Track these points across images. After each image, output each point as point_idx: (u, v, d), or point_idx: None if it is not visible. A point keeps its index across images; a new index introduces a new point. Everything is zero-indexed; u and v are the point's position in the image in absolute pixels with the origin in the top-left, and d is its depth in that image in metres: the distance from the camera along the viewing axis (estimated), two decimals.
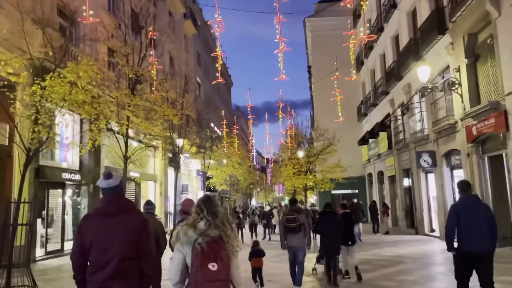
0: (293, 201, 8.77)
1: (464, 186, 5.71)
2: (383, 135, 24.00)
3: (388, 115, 23.12)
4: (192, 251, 2.90)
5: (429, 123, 17.09)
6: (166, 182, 25.92)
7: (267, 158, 79.18)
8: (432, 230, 18.28)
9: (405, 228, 21.18)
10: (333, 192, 31.63)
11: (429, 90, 13.80)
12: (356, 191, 31.65)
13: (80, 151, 13.32)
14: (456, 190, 6.23)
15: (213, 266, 2.82)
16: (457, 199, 7.50)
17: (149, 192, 24.33)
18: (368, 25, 20.43)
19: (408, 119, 20.01)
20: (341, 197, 31.54)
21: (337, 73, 19.50)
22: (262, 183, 75.52)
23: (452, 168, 15.74)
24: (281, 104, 25.45)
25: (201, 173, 31.75)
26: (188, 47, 34.46)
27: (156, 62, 16.00)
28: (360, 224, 17.03)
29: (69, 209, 16.08)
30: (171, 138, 21.24)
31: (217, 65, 13.59)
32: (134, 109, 12.54)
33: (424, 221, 18.53)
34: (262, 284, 8.13)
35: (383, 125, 23.52)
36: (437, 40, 15.28)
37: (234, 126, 34.22)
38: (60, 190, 15.18)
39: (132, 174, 21.28)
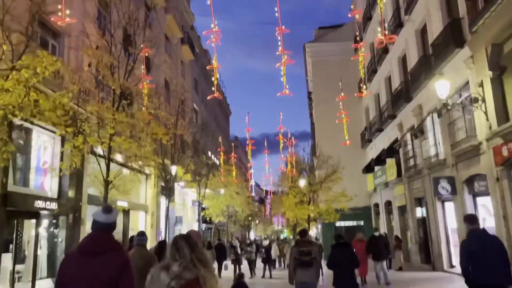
0: (304, 232, 8.10)
1: (472, 219, 5.72)
2: (391, 162, 22.43)
3: (396, 140, 21.64)
4: None
5: (445, 147, 15.56)
6: (158, 212, 24.03)
7: (266, 190, 77.40)
8: (452, 266, 16.39)
9: (419, 264, 19.23)
10: (337, 224, 29.72)
11: (449, 107, 12.34)
12: (362, 222, 29.70)
13: (60, 172, 11.74)
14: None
15: None
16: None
17: (139, 223, 22.38)
18: (374, 40, 19.26)
19: (420, 143, 18.51)
20: (343, 230, 29.63)
21: (342, 94, 18.16)
22: (261, 215, 73.27)
23: (476, 195, 14.08)
24: (282, 128, 23.95)
25: (196, 203, 29.93)
26: (185, 73, 33.41)
27: (147, 81, 14.67)
28: (385, 262, 13.59)
29: (44, 243, 14.19)
30: (163, 164, 19.63)
31: (212, 78, 12.21)
32: (118, 126, 10.99)
33: (442, 256, 16.65)
34: None
35: (390, 151, 22.02)
36: (454, 54, 13.99)
37: (232, 154, 32.63)
38: (33, 221, 13.37)
39: (120, 203, 19.53)
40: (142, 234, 5.91)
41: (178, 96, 19.91)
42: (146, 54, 15.99)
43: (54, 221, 14.78)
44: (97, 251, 2.88)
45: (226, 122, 59.10)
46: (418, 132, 17.21)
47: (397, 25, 20.09)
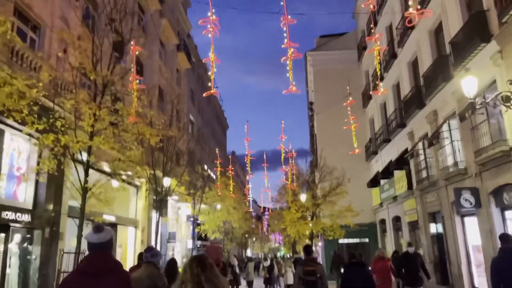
0: (308, 250, 7.67)
1: (506, 238, 5.74)
2: (400, 174, 20.89)
3: (405, 151, 20.13)
4: None
5: (467, 154, 14.05)
6: (150, 228, 22.28)
7: (264, 207, 75.58)
8: None
9: (435, 285, 17.48)
10: (340, 241, 27.96)
11: (478, 106, 10.86)
12: (366, 240, 27.96)
13: (37, 176, 10.17)
14: None
15: None
16: None
17: (129, 239, 20.63)
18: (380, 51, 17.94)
19: (434, 153, 17.00)
20: (344, 247, 27.83)
21: (350, 98, 16.72)
22: (258, 232, 71.21)
23: (504, 208, 12.49)
24: (284, 137, 22.45)
25: (191, 219, 28.17)
26: (181, 82, 32.04)
27: (137, 81, 13.19)
28: None
29: (14, 260, 12.43)
30: (154, 174, 18.01)
31: (209, 73, 10.76)
32: (99, 124, 9.45)
33: (463, 277, 14.96)
34: None
35: (400, 163, 20.50)
36: (478, 50, 12.60)
37: (230, 167, 31.00)
38: (2, 235, 11.65)
39: (107, 217, 17.82)
40: (150, 250, 5.13)
41: (172, 100, 18.30)
42: (137, 53, 14.64)
43: (28, 235, 13.04)
44: (96, 273, 2.77)
45: (223, 136, 57.58)
46: (436, 138, 15.71)
47: (406, 28, 18.81)
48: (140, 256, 6.77)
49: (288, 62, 11.24)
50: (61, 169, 10.26)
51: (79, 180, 10.06)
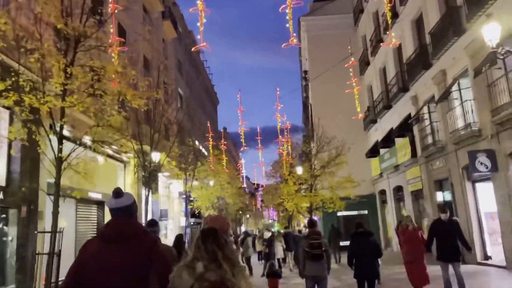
0: (313, 223, 7.61)
1: None
2: (403, 141, 19.82)
3: (409, 117, 19.01)
4: None
5: (482, 115, 12.93)
6: (140, 206, 21.10)
7: (257, 184, 74.95)
8: (487, 258, 13.88)
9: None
10: (338, 213, 27.15)
11: (502, 56, 9.64)
12: (365, 212, 27.14)
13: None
14: None
15: None
16: None
17: None
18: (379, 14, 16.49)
19: (442, 116, 15.89)
20: (342, 220, 27.11)
21: (352, 59, 15.42)
22: (252, 209, 70.73)
23: None
24: (279, 106, 21.17)
25: (183, 196, 27.06)
26: (168, 53, 30.32)
27: (117, 43, 11.70)
28: (460, 264, 8.17)
29: None
30: (141, 149, 16.73)
31: (198, 36, 9.36)
32: (71, 85, 8.07)
33: (474, 246, 14.06)
34: None
35: (402, 129, 19.41)
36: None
37: (222, 141, 29.72)
38: None
39: (93, 195, 16.59)
40: (153, 224, 5.09)
41: (158, 66, 16.82)
42: (117, 11, 13.07)
43: (2, 215, 11.78)
44: (117, 237, 2.62)
45: (214, 112, 55.96)
46: (442, 101, 14.55)
47: None
48: None
49: (287, 11, 9.85)
50: (35, 140, 8.94)
51: (53, 151, 8.74)
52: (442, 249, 7.92)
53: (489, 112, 12.22)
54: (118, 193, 2.87)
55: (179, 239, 6.69)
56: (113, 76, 8.40)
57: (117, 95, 8.73)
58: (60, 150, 8.50)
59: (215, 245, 2.45)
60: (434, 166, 17.05)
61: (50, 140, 8.79)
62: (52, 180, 10.50)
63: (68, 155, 8.59)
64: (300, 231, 22.22)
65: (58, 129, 8.52)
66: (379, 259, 8.76)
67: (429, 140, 17.31)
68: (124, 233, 2.66)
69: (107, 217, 16.89)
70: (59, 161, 8.54)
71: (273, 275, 8.95)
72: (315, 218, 32.19)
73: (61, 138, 8.58)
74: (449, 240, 7.91)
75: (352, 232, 7.85)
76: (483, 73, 11.59)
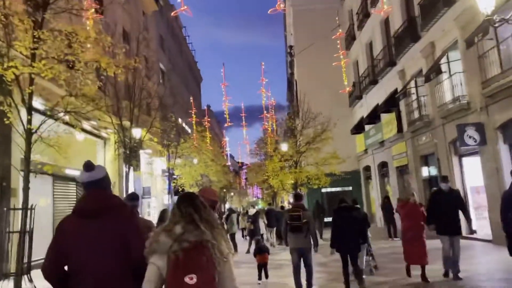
0: (298, 197, 7.85)
1: None
2: (389, 117, 19.61)
3: (395, 92, 18.74)
4: (166, 262, 2.24)
5: (471, 87, 12.68)
6: (121, 183, 20.52)
7: (241, 162, 74.82)
8: (472, 232, 13.89)
9: (427, 231, 16.70)
10: (322, 190, 27.08)
11: (496, 25, 9.29)
12: (350, 188, 27.14)
13: None
14: None
15: (190, 279, 2.18)
16: None
17: None
18: None
19: (430, 90, 15.62)
20: (325, 197, 27.07)
21: (340, 31, 14.90)
22: (236, 187, 70.68)
23: None
24: (264, 80, 20.59)
25: (167, 174, 26.54)
26: (148, 26, 29.19)
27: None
28: (459, 238, 7.86)
29: None
30: (120, 123, 16.09)
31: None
32: (39, 50, 7.39)
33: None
34: (266, 276, 8.65)
35: (388, 104, 19.16)
36: None
37: (206, 118, 29.10)
38: None
39: (70, 172, 15.96)
40: (133, 198, 4.87)
41: (137, 38, 16.02)
42: None
43: None
44: (92, 212, 2.49)
45: (197, 89, 54.90)
46: (431, 74, 14.23)
47: None
48: None
49: None
50: (3, 112, 8.27)
51: (22, 123, 8.10)
52: (443, 222, 7.41)
53: (479, 85, 11.96)
54: (89, 166, 2.71)
55: (163, 214, 6.36)
56: (86, 41, 7.72)
57: (90, 61, 8.06)
58: (29, 122, 7.88)
59: (191, 208, 2.40)
60: (420, 141, 16.91)
61: (18, 111, 8.15)
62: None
63: (38, 127, 7.98)
64: (282, 207, 22.12)
65: (26, 98, 7.85)
66: (368, 231, 8.79)
67: (416, 115, 17.10)
68: (99, 207, 2.55)
69: None
70: (28, 133, 7.92)
71: (261, 250, 8.81)
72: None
73: (30, 108, 7.94)
74: (451, 212, 7.46)
75: (335, 208, 7.77)
76: (474, 45, 11.26)
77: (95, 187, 2.63)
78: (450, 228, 7.47)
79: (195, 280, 2.18)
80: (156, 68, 27.21)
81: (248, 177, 63.32)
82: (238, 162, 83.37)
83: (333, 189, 27.29)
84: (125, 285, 2.42)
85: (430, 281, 7.54)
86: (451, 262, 7.54)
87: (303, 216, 7.08)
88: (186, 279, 2.18)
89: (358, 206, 9.72)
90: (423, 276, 7.58)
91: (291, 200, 46.53)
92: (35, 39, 7.32)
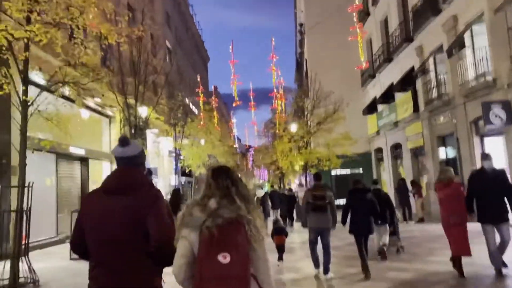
0: (318, 176, 7.73)
1: None
2: (404, 96, 18.80)
3: (412, 70, 17.90)
4: (199, 237, 2.11)
5: (497, 63, 11.85)
6: None
7: (248, 145, 74.45)
8: None
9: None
10: (332, 173, 26.50)
11: None
12: (360, 170, 26.50)
13: None
14: None
15: (224, 258, 2.03)
16: None
17: (103, 175, 18.47)
18: None
19: (450, 67, 14.78)
20: (334, 179, 26.46)
21: (356, 2, 14.02)
22: (243, 169, 70.48)
23: None
24: (274, 57, 19.80)
25: (173, 154, 26.06)
26: (155, 3, 28.31)
27: None
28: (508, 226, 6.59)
29: None
30: (125, 101, 15.49)
31: None
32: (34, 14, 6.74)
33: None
34: (281, 258, 8.43)
35: (404, 83, 18.37)
36: None
37: (214, 97, 28.39)
38: None
39: (75, 150, 15.51)
40: (149, 173, 4.85)
41: (142, 10, 15.27)
42: None
43: None
44: (117, 189, 2.43)
45: (204, 69, 54.01)
46: (453, 49, 13.39)
47: None
48: None
49: None
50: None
51: (18, 95, 7.52)
52: (486, 208, 6.24)
53: (507, 59, 11.14)
54: (123, 141, 2.61)
55: (176, 193, 6.04)
56: (84, 4, 7.05)
57: (89, 27, 7.40)
58: (24, 92, 7.29)
59: (229, 180, 2.28)
60: (438, 121, 16.15)
61: (14, 83, 7.56)
62: (30, 134, 9.36)
63: (35, 99, 7.40)
64: (290, 189, 21.68)
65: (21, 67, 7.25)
66: (397, 211, 9.09)
67: (434, 93, 16.30)
68: (124, 184, 2.46)
69: (93, 174, 15.76)
70: (24, 105, 7.35)
71: (279, 231, 8.55)
72: (304, 177, 31.73)
73: (25, 78, 7.34)
74: (495, 195, 6.22)
75: (350, 189, 7.70)
76: (502, 16, 10.43)
77: (125, 163, 2.55)
78: (495, 215, 6.25)
79: (228, 259, 2.05)
80: (161, 45, 26.41)
81: (255, 159, 62.89)
82: (245, 145, 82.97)
83: (343, 172, 26.71)
84: (139, 269, 2.31)
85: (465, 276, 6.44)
86: (494, 255, 6.34)
87: (326, 196, 7.11)
88: (219, 258, 2.05)
89: (379, 187, 9.45)
90: (460, 267, 6.51)
91: (297, 182, 46.10)
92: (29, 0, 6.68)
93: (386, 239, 8.64)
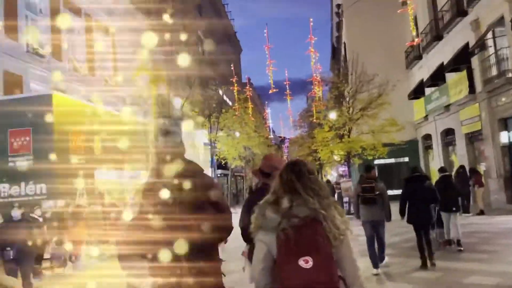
0: (369, 168, 7.52)
1: None
2: (457, 76, 17.11)
3: (466, 47, 16.22)
4: (276, 241, 1.96)
5: None
6: None
7: (283, 137, 73.55)
8: None
9: (505, 205, 14.51)
10: (375, 162, 24.97)
11: None
12: (406, 159, 24.77)
13: None
14: None
15: (305, 262, 1.88)
16: None
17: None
18: None
19: None
20: (377, 169, 24.77)
21: None
22: None
23: None
24: (313, 38, 18.62)
25: (209, 146, 25.46)
26: None
27: None
28: None
29: None
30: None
31: None
32: None
33: None
34: None
35: (457, 62, 16.71)
36: None
37: (248, 87, 27.50)
38: None
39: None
40: None
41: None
42: None
43: None
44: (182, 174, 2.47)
45: (237, 60, 53.13)
46: None
47: None
48: None
49: None
50: None
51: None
52: None
53: None
54: (166, 131, 2.61)
55: None
56: None
57: None
58: None
59: (293, 174, 2.11)
60: (499, 102, 14.48)
61: None
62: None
63: None
64: (328, 181, 20.60)
65: None
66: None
67: (494, 71, 14.63)
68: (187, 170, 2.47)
69: None
70: None
71: None
72: (344, 168, 30.27)
73: None
74: None
75: (406, 177, 7.52)
76: None
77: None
78: None
79: (311, 263, 1.88)
80: (192, 32, 25.73)
81: (290, 151, 61.82)
82: (280, 137, 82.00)
83: (387, 161, 25.11)
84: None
85: None
86: None
87: (376, 188, 6.91)
88: (301, 262, 1.90)
89: (448, 173, 8.82)
90: None
91: (334, 173, 44.66)
92: None
93: (458, 230, 8.15)
